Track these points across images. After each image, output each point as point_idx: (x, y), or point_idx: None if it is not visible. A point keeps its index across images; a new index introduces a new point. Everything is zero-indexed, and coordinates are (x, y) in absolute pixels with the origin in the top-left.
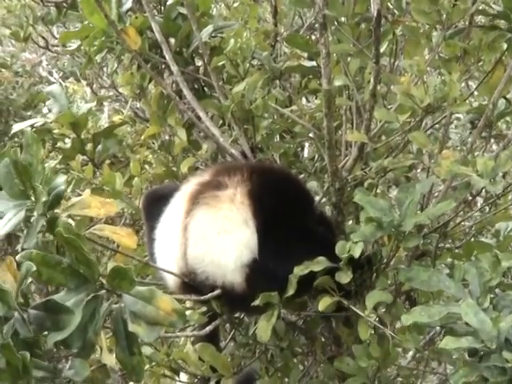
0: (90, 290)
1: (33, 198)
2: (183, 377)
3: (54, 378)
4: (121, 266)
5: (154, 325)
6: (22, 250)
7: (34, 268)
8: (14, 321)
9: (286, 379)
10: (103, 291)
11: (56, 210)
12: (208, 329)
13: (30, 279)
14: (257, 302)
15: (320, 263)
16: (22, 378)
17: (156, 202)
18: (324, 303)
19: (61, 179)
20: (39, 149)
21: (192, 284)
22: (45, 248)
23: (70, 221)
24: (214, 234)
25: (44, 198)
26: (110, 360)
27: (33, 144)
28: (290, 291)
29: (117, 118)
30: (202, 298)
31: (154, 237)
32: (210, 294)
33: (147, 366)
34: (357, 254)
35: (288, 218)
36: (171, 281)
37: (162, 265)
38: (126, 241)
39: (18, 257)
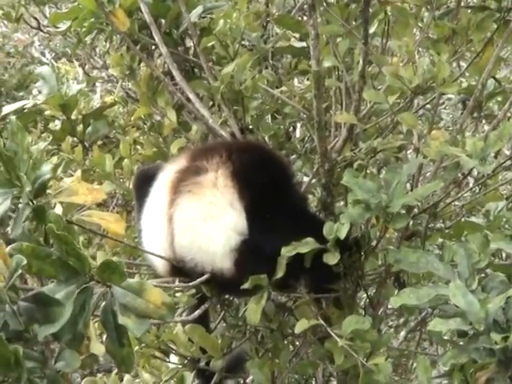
0: (81, 282)
1: (19, 186)
2: (173, 358)
3: (44, 368)
4: (111, 259)
5: (143, 317)
6: (8, 242)
7: (25, 261)
8: (4, 313)
9: (277, 360)
10: (93, 283)
11: (47, 192)
12: (197, 313)
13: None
14: (246, 286)
15: (308, 244)
16: (14, 370)
17: (147, 182)
18: (301, 326)
19: (46, 167)
20: (24, 137)
21: (181, 268)
22: (31, 235)
23: (59, 205)
24: (199, 222)
25: (28, 188)
26: (99, 349)
27: (18, 132)
28: (280, 273)
29: (108, 99)
30: (191, 283)
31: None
32: (198, 280)
33: (137, 348)
34: (343, 235)
35: (275, 196)
36: (160, 266)
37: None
38: (114, 227)
39: (8, 249)
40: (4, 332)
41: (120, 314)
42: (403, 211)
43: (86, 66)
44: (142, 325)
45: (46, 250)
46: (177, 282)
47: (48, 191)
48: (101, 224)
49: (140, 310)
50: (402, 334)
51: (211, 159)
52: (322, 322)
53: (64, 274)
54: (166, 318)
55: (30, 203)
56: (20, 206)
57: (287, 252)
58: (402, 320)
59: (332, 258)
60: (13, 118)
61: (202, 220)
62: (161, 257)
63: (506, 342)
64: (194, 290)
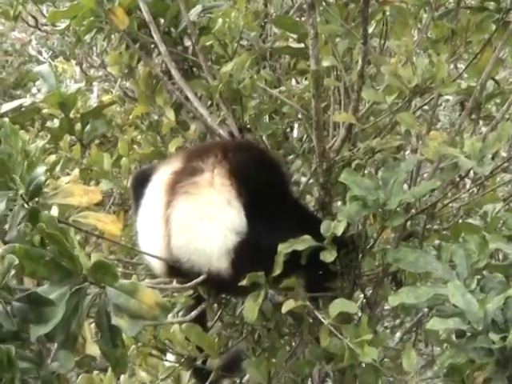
0: (74, 283)
1: (14, 189)
2: (170, 357)
3: (39, 370)
4: (103, 260)
5: (136, 318)
6: (5, 242)
7: (17, 261)
8: None
9: (273, 359)
10: (86, 283)
11: (44, 192)
12: (194, 314)
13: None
14: (243, 283)
15: (304, 242)
16: (7, 370)
17: (145, 182)
18: (287, 306)
19: (41, 169)
20: (18, 139)
21: (178, 269)
22: (28, 238)
23: (55, 206)
24: (196, 222)
25: (22, 190)
26: (94, 350)
27: (12, 134)
28: (277, 271)
29: (106, 98)
30: (187, 285)
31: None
32: (195, 281)
33: (133, 346)
34: (339, 231)
35: (272, 194)
36: (157, 266)
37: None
38: (110, 228)
39: (0, 251)
40: None
41: (113, 315)
42: (400, 209)
43: (84, 65)
44: (136, 325)
45: (40, 252)
46: (174, 283)
47: (45, 190)
48: (97, 225)
49: (133, 311)
50: (398, 335)
51: (206, 159)
52: (309, 304)
53: (57, 276)
54: (160, 319)
55: (25, 205)
56: (15, 208)
57: (284, 249)
58: (397, 321)
59: (329, 256)
60: (6, 120)
61: (199, 220)
62: (157, 257)
63: (505, 342)
64: (191, 291)
